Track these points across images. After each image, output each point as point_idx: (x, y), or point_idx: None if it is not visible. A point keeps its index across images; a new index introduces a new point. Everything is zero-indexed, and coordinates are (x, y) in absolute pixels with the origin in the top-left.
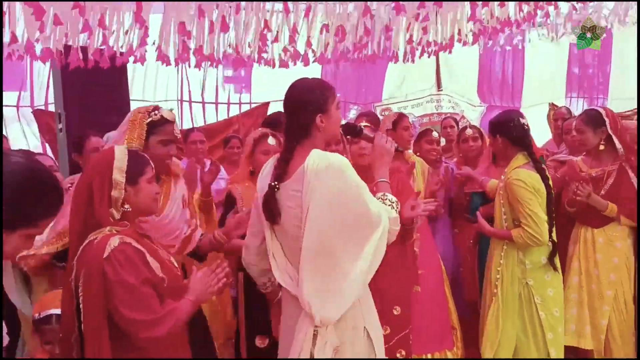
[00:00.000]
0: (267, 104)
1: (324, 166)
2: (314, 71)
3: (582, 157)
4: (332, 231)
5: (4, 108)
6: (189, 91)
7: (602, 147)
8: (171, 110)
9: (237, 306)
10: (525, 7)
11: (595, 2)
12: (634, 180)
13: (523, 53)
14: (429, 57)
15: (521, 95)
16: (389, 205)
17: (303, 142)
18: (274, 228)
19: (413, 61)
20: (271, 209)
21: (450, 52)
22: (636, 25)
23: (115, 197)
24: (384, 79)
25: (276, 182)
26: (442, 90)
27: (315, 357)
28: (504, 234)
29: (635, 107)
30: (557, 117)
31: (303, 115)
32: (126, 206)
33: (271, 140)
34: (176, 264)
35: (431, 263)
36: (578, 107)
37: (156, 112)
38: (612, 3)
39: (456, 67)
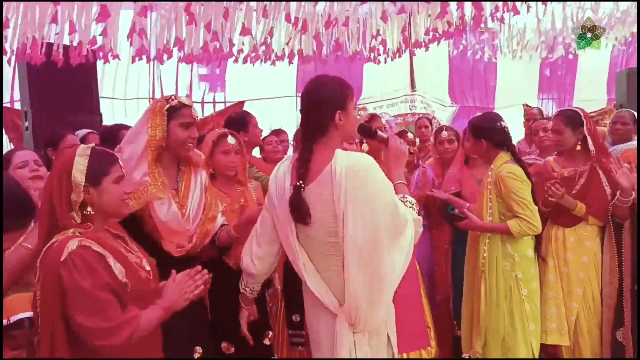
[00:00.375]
0: (242, 102)
1: (356, 168)
2: (289, 71)
3: (554, 157)
4: (375, 235)
5: None
6: (161, 89)
7: (578, 148)
8: (187, 95)
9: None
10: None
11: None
12: (604, 181)
13: (495, 56)
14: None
15: (494, 96)
16: (410, 207)
17: (320, 141)
18: (298, 234)
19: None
20: (300, 210)
21: (426, 48)
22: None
23: (74, 199)
24: (362, 79)
25: (302, 183)
26: (415, 90)
27: None
28: (498, 227)
29: (600, 108)
30: (529, 118)
31: (322, 112)
32: (89, 209)
33: (231, 140)
34: (149, 267)
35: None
36: (548, 108)
37: (174, 98)
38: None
39: (428, 67)
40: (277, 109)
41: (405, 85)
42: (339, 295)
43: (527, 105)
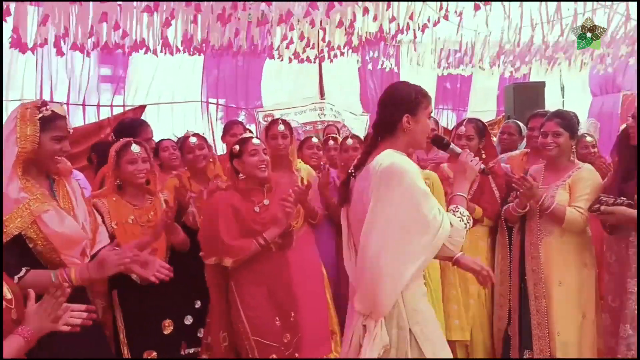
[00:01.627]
0: (143, 107)
1: (389, 168)
2: (194, 76)
3: (447, 164)
4: (384, 231)
5: None
6: (51, 89)
7: (484, 156)
8: (61, 104)
9: (116, 327)
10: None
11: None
12: (494, 186)
13: (399, 67)
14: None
15: None
16: (459, 217)
17: (385, 139)
18: (348, 218)
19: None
20: (342, 193)
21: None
22: None
23: None
24: (260, 84)
25: (353, 171)
26: (325, 98)
27: (364, 351)
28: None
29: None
30: None
31: (391, 112)
32: None
33: (135, 148)
34: (10, 295)
35: (312, 268)
36: (446, 117)
37: (46, 107)
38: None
39: (338, 76)
40: (183, 114)
41: (314, 93)
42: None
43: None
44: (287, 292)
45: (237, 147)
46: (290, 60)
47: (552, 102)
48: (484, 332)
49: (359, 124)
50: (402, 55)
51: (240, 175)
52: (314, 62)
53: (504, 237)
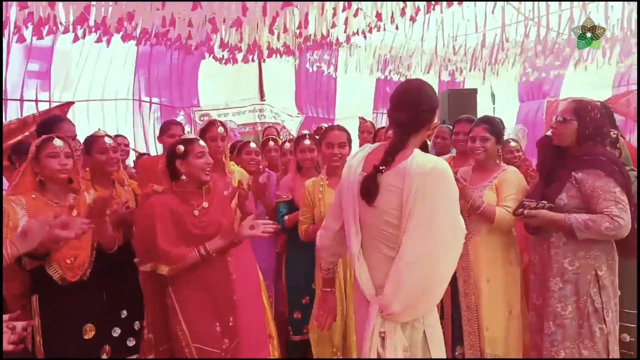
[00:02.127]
0: (70, 104)
1: (430, 169)
2: (126, 73)
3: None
4: (433, 235)
5: None
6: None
7: None
8: None
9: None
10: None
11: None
12: None
13: (336, 72)
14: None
15: (335, 108)
16: None
17: (411, 138)
18: (360, 217)
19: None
20: (369, 190)
21: (264, 61)
22: None
23: None
24: (197, 82)
25: (383, 167)
26: (265, 100)
27: (386, 356)
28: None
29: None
30: (363, 130)
31: (426, 115)
32: None
33: (57, 142)
34: None
35: (248, 271)
36: (384, 121)
37: None
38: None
39: (276, 78)
40: (114, 112)
41: (253, 95)
42: (377, 284)
43: (362, 118)
44: (226, 296)
45: (181, 147)
46: (226, 62)
47: (483, 108)
48: None
49: (294, 125)
50: (340, 60)
51: (183, 177)
52: (252, 62)
53: None
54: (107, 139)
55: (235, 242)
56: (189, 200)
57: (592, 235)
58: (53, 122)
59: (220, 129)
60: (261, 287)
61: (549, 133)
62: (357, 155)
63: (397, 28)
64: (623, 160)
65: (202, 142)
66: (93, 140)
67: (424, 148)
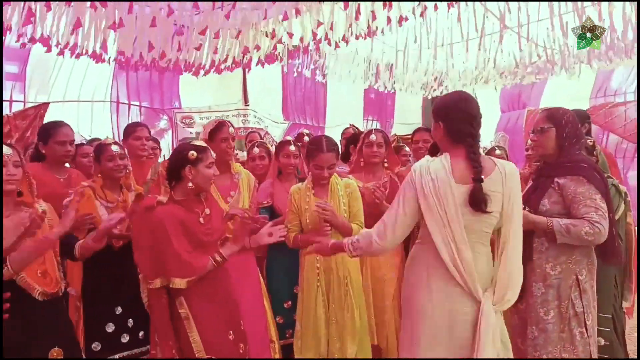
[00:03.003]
0: (46, 104)
1: (514, 172)
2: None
3: (357, 173)
4: (521, 227)
5: None
6: None
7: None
8: None
9: None
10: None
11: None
12: None
13: (324, 79)
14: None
15: (325, 116)
16: None
17: (457, 148)
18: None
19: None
20: (482, 199)
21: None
22: None
23: None
24: (178, 84)
25: (483, 177)
26: (249, 105)
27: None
28: None
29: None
30: (346, 136)
31: (477, 128)
32: None
33: (7, 150)
34: None
35: (249, 276)
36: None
37: None
38: None
39: (262, 84)
40: (90, 113)
41: (237, 99)
42: (481, 282)
43: (353, 125)
44: (233, 302)
45: (194, 153)
46: (206, 73)
47: None
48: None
49: (279, 132)
50: (328, 67)
51: (190, 184)
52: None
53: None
54: (114, 147)
55: (245, 247)
56: (192, 209)
57: (570, 240)
58: (53, 126)
59: (231, 129)
60: (263, 291)
61: (529, 142)
62: (433, 164)
63: (377, 35)
64: (600, 167)
65: (213, 153)
66: (101, 148)
67: (392, 154)
